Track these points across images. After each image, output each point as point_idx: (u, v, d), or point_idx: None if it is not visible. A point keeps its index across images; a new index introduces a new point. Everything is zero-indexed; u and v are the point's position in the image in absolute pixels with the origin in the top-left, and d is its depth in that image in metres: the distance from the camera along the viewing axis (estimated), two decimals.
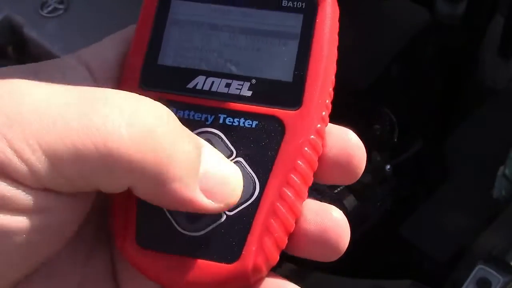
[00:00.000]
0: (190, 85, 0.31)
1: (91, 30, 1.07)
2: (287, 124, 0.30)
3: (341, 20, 1.10)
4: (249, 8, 0.32)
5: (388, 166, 0.92)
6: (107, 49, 0.33)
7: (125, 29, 0.35)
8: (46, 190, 0.26)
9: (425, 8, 1.04)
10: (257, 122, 0.31)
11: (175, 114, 0.30)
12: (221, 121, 0.31)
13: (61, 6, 1.09)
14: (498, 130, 0.89)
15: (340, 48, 1.10)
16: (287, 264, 0.78)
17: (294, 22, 0.32)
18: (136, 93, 0.30)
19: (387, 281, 0.74)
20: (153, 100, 0.28)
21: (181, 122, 0.30)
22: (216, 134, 0.31)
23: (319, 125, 0.31)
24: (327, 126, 0.33)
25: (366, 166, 0.98)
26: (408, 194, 0.97)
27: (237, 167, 0.30)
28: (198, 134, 0.31)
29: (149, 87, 0.32)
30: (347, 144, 0.32)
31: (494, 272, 0.68)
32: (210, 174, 0.28)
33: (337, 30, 0.34)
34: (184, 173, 0.27)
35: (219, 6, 0.32)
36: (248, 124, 0.31)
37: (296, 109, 0.31)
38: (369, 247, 0.94)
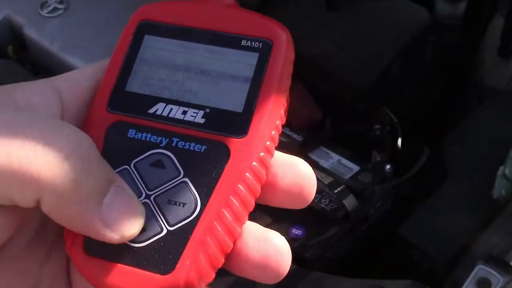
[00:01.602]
0: (151, 111, 0.35)
1: (91, 30, 1.07)
2: (232, 150, 0.33)
3: (342, 20, 1.10)
4: (212, 46, 0.35)
5: (388, 166, 0.92)
6: (83, 76, 0.36)
7: (106, 59, 0.37)
8: None
9: (425, 8, 1.04)
10: (206, 147, 0.33)
11: (134, 135, 0.34)
12: (174, 144, 0.34)
13: (61, 6, 1.09)
14: (498, 130, 0.89)
15: (340, 48, 1.10)
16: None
17: (250, 60, 0.35)
18: (103, 114, 0.34)
19: (387, 281, 0.74)
20: (78, 130, 0.31)
21: (138, 143, 0.34)
22: (168, 155, 0.34)
23: (262, 154, 0.33)
24: (280, 156, 0.35)
25: (366, 166, 0.98)
26: (408, 194, 0.97)
27: (143, 207, 0.32)
28: (151, 154, 0.34)
29: (114, 110, 0.35)
30: (298, 175, 0.34)
31: (494, 272, 0.68)
32: (113, 206, 0.30)
33: (289, 69, 0.36)
34: (87, 199, 0.30)
35: (186, 43, 0.36)
36: (198, 148, 0.33)
37: (242, 137, 0.33)
38: (369, 247, 0.94)
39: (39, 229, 0.34)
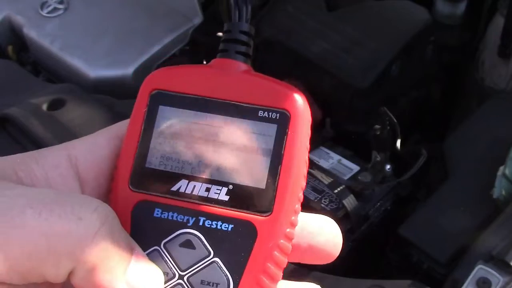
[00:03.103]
0: (174, 188, 0.35)
1: (91, 30, 1.07)
2: (259, 229, 0.34)
3: (342, 20, 1.09)
4: (229, 117, 0.35)
5: (388, 166, 0.92)
6: (99, 146, 0.36)
7: (118, 123, 0.37)
8: (2, 284, 0.31)
9: (425, 8, 1.04)
10: (232, 225, 0.34)
11: (160, 215, 0.34)
12: (201, 223, 0.34)
13: (61, 6, 1.09)
14: (498, 130, 0.89)
15: (340, 48, 1.09)
16: (288, 265, 0.78)
17: (269, 132, 0.35)
18: (127, 194, 0.35)
19: (387, 281, 0.74)
20: (102, 203, 0.32)
21: (165, 223, 0.34)
22: (196, 235, 0.34)
23: (288, 230, 0.34)
24: (310, 217, 0.37)
25: (366, 166, 0.98)
26: (408, 194, 0.97)
27: (160, 270, 0.34)
28: (179, 234, 0.34)
29: (137, 189, 0.35)
30: (333, 233, 0.37)
31: (494, 272, 0.68)
32: (136, 273, 0.32)
33: (308, 137, 0.36)
34: (115, 267, 0.32)
35: (202, 113, 0.35)
36: (225, 228, 0.34)
37: (268, 215, 0.34)
38: (369, 247, 0.94)
39: None
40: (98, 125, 0.87)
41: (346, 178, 0.91)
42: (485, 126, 0.91)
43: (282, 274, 0.34)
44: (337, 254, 0.37)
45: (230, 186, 0.34)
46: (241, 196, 0.34)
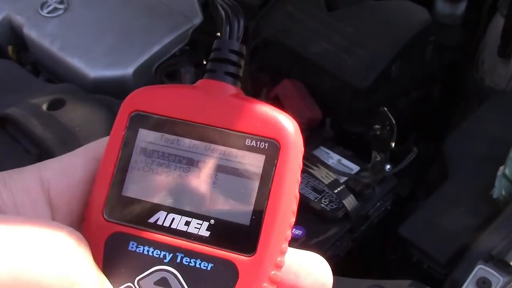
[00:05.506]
0: (151, 220, 0.32)
1: (91, 30, 1.07)
2: (241, 270, 0.31)
3: (342, 20, 1.09)
4: (214, 145, 0.32)
5: (388, 166, 0.92)
6: (73, 169, 0.33)
7: (96, 142, 0.35)
8: None
9: (425, 8, 1.04)
10: (212, 264, 0.31)
11: (135, 249, 0.32)
12: (178, 260, 0.31)
13: (61, 6, 1.09)
14: (498, 130, 0.89)
15: (340, 48, 1.09)
16: None
17: (256, 163, 0.32)
18: (100, 223, 0.32)
19: (387, 281, 0.74)
20: (72, 232, 0.30)
21: (140, 258, 0.31)
22: (173, 273, 0.31)
23: (273, 272, 0.31)
24: (299, 254, 0.33)
25: (366, 166, 0.98)
26: (408, 194, 0.98)
27: None
28: (155, 271, 0.31)
29: (112, 219, 0.32)
30: (321, 274, 0.33)
31: (494, 272, 0.68)
32: None
33: (299, 169, 0.33)
34: None
35: (185, 140, 0.33)
36: (204, 266, 0.31)
37: (251, 255, 0.31)
38: (369, 247, 0.94)
39: None
40: (98, 125, 0.87)
41: (346, 178, 0.91)
42: (485, 126, 0.91)
43: None
44: None
45: (212, 221, 0.31)
46: (223, 233, 0.31)
